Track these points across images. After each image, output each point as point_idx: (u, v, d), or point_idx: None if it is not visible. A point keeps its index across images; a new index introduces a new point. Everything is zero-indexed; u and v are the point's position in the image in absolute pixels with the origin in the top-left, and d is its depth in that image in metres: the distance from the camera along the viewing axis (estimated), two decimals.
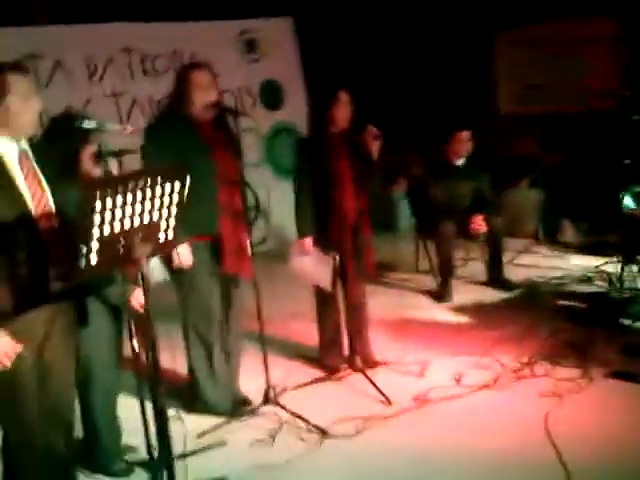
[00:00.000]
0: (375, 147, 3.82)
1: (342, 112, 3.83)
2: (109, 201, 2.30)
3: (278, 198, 6.32)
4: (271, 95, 7.09)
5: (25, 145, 2.57)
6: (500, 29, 7.06)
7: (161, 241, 2.58)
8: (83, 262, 2.32)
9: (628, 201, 4.81)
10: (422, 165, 5.65)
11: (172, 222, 2.59)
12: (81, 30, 5.73)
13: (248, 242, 3.50)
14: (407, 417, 3.47)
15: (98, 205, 2.28)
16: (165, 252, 2.87)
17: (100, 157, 2.92)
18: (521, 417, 3.40)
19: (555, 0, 6.47)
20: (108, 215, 2.32)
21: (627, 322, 4.38)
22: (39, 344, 2.52)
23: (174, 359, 3.63)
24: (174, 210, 2.56)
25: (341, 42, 7.17)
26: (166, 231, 2.58)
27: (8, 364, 2.38)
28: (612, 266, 5.23)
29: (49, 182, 2.60)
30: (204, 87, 3.38)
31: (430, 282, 5.47)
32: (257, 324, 3.54)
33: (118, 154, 2.86)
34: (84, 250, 2.31)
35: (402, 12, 7.23)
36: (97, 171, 2.99)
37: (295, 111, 7.07)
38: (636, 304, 4.57)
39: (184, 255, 3.30)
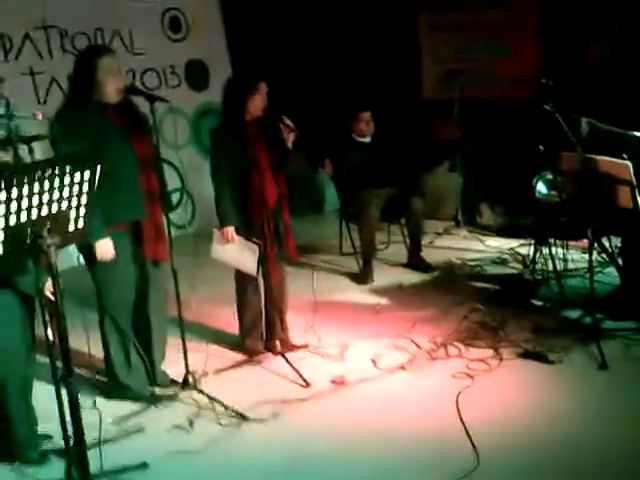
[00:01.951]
0: (289, 138, 3.84)
1: (259, 103, 3.84)
2: (14, 191, 2.27)
3: (205, 179, 6.28)
4: (196, 75, 7.00)
5: None
6: (422, 12, 7.16)
7: (71, 230, 2.57)
8: None
9: (540, 187, 4.98)
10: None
11: (82, 211, 2.57)
12: None
13: (164, 224, 3.49)
14: (324, 400, 3.55)
15: (3, 195, 2.25)
16: (75, 241, 2.84)
17: (9, 143, 2.87)
18: (434, 397, 3.52)
19: None
20: (14, 205, 2.29)
21: (538, 303, 4.58)
22: None
23: (93, 345, 3.64)
24: (84, 199, 2.55)
25: (266, 21, 7.14)
26: (76, 220, 2.57)
27: None
28: (526, 248, 5.45)
29: None
30: (114, 72, 3.35)
31: (353, 264, 5.57)
32: (176, 308, 3.55)
33: (28, 140, 2.81)
34: None
35: None
36: (6, 157, 2.93)
37: (220, 91, 7.01)
38: (547, 286, 4.78)
39: (106, 248, 3.28)
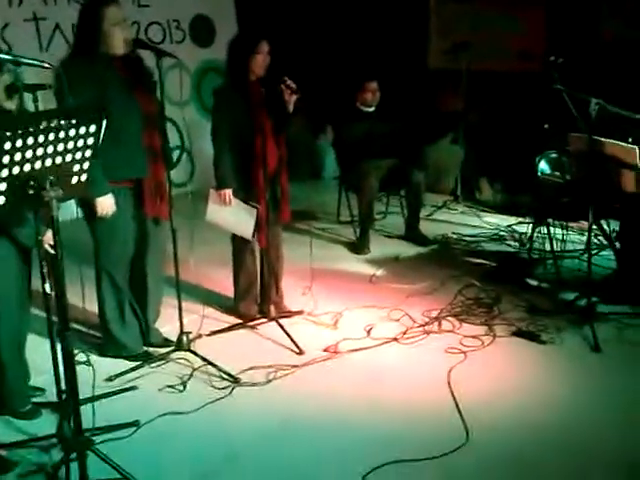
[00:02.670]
0: (291, 100, 3.77)
1: (261, 62, 3.77)
2: (19, 141, 2.23)
3: (205, 137, 6.21)
4: (201, 31, 6.89)
5: None
6: None
7: (73, 183, 2.52)
8: None
9: (544, 166, 4.95)
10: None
11: (85, 165, 2.53)
12: None
13: (166, 182, 3.45)
14: (317, 367, 3.55)
15: (7, 145, 2.20)
16: (77, 195, 2.80)
17: (14, 91, 2.80)
18: (426, 371, 3.53)
19: None
20: (18, 155, 2.25)
21: (533, 283, 4.58)
22: None
23: (88, 301, 3.63)
24: (88, 152, 2.50)
25: None
26: (79, 174, 2.53)
27: None
28: (523, 227, 5.44)
29: None
30: (120, 23, 3.27)
31: (350, 233, 5.55)
32: (173, 268, 3.53)
33: (33, 88, 2.74)
34: None
35: None
36: (10, 105, 2.87)
37: (225, 49, 6.90)
38: (542, 265, 4.78)
39: (107, 204, 3.23)
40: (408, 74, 7.00)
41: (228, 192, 3.83)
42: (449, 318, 4.06)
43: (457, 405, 3.20)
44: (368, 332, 3.90)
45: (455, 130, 6.66)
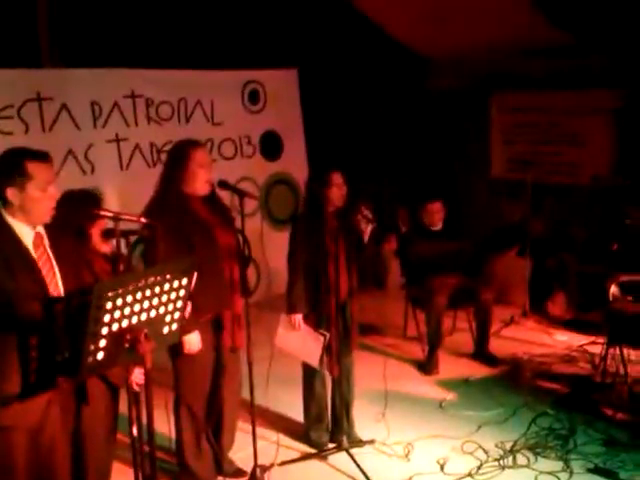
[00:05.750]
0: (367, 230, 3.87)
1: (336, 193, 3.90)
2: (119, 300, 2.35)
3: (271, 248, 6.35)
4: (270, 145, 7.16)
5: (40, 228, 2.62)
6: (495, 93, 7.21)
7: (165, 333, 2.63)
8: (90, 359, 2.36)
9: (615, 289, 4.88)
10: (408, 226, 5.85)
11: (177, 315, 2.63)
12: (88, 74, 5.75)
13: (243, 312, 3.53)
14: None
15: (109, 304, 2.32)
16: (169, 344, 2.91)
17: (109, 236, 2.97)
18: None
19: (553, 70, 6.63)
20: (117, 313, 2.36)
21: (609, 411, 4.44)
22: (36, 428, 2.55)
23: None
24: (179, 304, 2.61)
25: (341, 96, 7.28)
26: (170, 324, 2.63)
27: None
28: (596, 346, 5.32)
29: (61, 259, 2.65)
30: (206, 165, 3.45)
31: (417, 350, 5.51)
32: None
33: (127, 234, 2.91)
34: (91, 347, 2.35)
35: (404, 72, 7.41)
36: (105, 248, 3.04)
37: (293, 162, 7.19)
38: (618, 391, 4.64)
39: (193, 342, 3.33)
40: (471, 185, 7.10)
41: (299, 317, 3.89)
42: (523, 450, 3.96)
43: None
44: (441, 467, 3.84)
45: (522, 242, 6.64)
